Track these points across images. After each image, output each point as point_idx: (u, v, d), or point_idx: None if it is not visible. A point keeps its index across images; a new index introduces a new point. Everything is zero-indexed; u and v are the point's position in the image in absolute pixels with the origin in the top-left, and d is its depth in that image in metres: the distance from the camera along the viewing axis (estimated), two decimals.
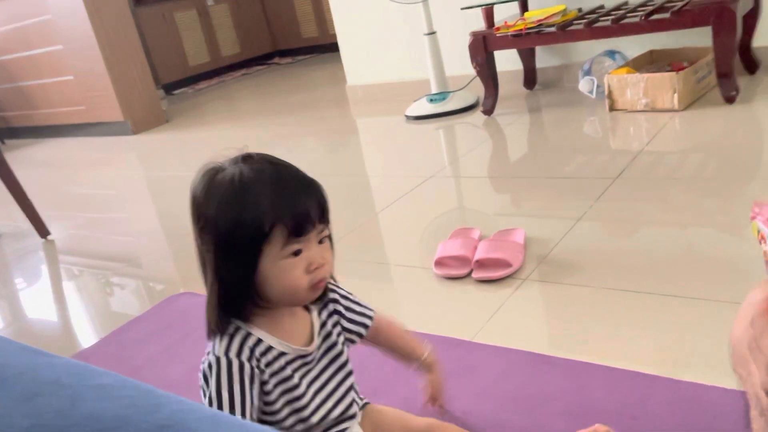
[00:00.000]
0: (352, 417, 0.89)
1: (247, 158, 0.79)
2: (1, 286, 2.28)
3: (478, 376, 1.17)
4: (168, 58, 5.78)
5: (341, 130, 3.37)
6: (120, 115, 4.29)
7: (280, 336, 0.82)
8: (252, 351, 0.79)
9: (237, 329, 0.80)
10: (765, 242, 0.51)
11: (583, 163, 2.20)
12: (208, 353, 0.80)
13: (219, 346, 0.79)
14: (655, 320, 1.25)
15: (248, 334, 0.80)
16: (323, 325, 0.88)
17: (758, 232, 0.51)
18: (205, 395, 0.79)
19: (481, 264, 1.53)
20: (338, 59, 3.97)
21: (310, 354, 0.84)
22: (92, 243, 2.49)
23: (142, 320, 1.73)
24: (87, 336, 1.78)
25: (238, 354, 0.78)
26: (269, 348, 0.80)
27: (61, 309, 2.02)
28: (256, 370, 0.79)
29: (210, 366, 0.79)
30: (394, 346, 1.00)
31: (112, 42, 4.17)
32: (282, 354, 0.81)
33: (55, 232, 2.60)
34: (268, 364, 0.80)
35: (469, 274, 1.55)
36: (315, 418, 0.84)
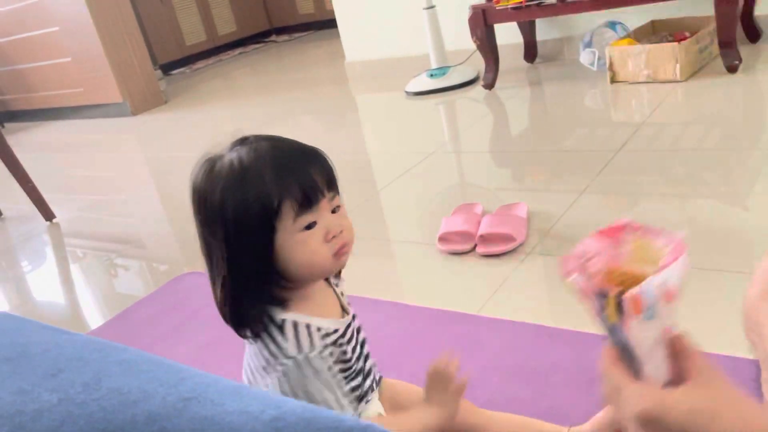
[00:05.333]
0: (376, 384, 0.91)
1: (243, 141, 0.77)
2: (7, 269, 2.30)
3: (483, 350, 1.19)
4: (164, 38, 5.73)
5: (340, 108, 3.36)
6: (119, 97, 4.27)
7: (324, 314, 0.80)
8: (321, 338, 0.77)
9: (284, 321, 0.77)
10: (586, 294, 0.49)
11: (584, 136, 2.19)
12: (278, 358, 0.76)
13: (288, 345, 0.76)
14: None
15: (297, 323, 0.77)
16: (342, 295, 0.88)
17: (574, 286, 0.49)
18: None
19: (485, 239, 1.54)
20: (336, 36, 3.94)
21: (350, 324, 0.84)
22: (96, 225, 2.50)
23: (149, 301, 1.74)
24: (94, 317, 1.80)
25: (311, 347, 0.76)
26: (320, 329, 0.79)
27: (68, 291, 2.04)
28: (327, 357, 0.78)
29: (296, 365, 0.76)
30: None
31: (108, 22, 4.13)
32: (335, 331, 0.80)
33: (59, 215, 2.61)
34: (331, 344, 0.79)
35: (473, 249, 1.56)
36: (367, 382, 0.86)
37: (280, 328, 0.77)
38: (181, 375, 0.34)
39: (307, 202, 0.74)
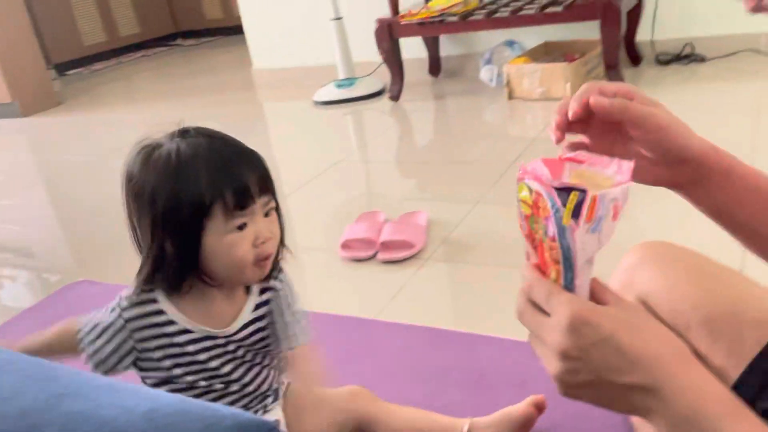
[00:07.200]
0: (267, 397, 0.91)
1: (184, 132, 0.78)
2: None
3: (380, 353, 1.22)
4: (60, 36, 5.44)
5: (247, 115, 3.32)
6: (7, 96, 4.01)
7: (196, 316, 0.81)
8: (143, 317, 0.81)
9: (150, 301, 0.81)
10: (538, 208, 0.48)
11: (483, 148, 2.30)
12: (119, 296, 0.82)
13: (125, 299, 0.81)
14: None
15: (154, 309, 0.81)
16: (256, 310, 0.85)
17: (530, 191, 0.49)
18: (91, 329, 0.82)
19: (386, 246, 1.59)
20: (244, 42, 3.90)
21: (222, 336, 0.83)
22: None
23: (36, 310, 1.65)
24: None
25: (124, 315, 0.81)
26: (170, 321, 0.81)
27: None
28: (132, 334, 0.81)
29: (111, 309, 0.82)
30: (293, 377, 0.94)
31: None
32: (185, 331, 0.81)
33: None
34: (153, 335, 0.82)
35: (374, 256, 1.60)
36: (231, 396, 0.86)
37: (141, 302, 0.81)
38: (54, 373, 0.34)
39: (239, 204, 0.75)
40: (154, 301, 0.81)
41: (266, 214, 0.79)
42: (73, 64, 5.55)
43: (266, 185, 0.79)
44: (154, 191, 0.75)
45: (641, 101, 0.57)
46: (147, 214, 0.76)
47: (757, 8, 0.47)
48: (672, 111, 0.58)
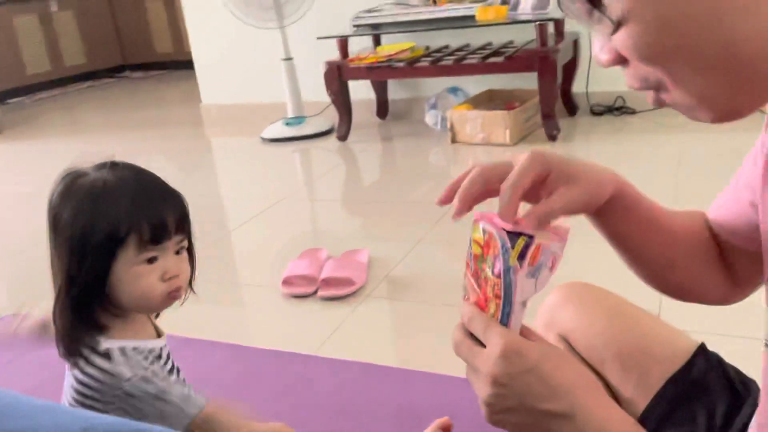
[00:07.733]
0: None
1: (111, 165, 0.81)
2: None
3: (315, 388, 1.24)
4: (2, 64, 5.33)
5: (194, 149, 3.32)
6: None
7: (141, 337, 0.82)
8: (144, 356, 0.80)
9: (109, 350, 0.78)
10: (489, 247, 0.53)
11: (426, 189, 2.37)
12: (115, 385, 0.77)
13: (121, 369, 0.78)
14: None
15: (124, 348, 0.79)
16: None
17: (483, 232, 0.54)
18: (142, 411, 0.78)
19: (327, 282, 1.61)
20: (194, 77, 3.92)
21: (165, 346, 0.85)
22: None
23: None
24: None
25: (138, 365, 0.79)
26: (142, 349, 0.81)
27: None
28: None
29: (135, 385, 0.78)
30: None
31: None
32: (151, 351, 0.82)
33: None
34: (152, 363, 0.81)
35: (315, 293, 1.62)
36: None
37: (107, 356, 0.78)
38: None
39: (153, 239, 0.77)
40: (114, 342, 0.79)
41: (177, 252, 0.81)
42: (15, 92, 5.43)
43: (183, 225, 0.81)
44: (72, 217, 0.76)
45: (558, 168, 0.58)
46: (64, 240, 0.77)
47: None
48: (602, 158, 0.64)
